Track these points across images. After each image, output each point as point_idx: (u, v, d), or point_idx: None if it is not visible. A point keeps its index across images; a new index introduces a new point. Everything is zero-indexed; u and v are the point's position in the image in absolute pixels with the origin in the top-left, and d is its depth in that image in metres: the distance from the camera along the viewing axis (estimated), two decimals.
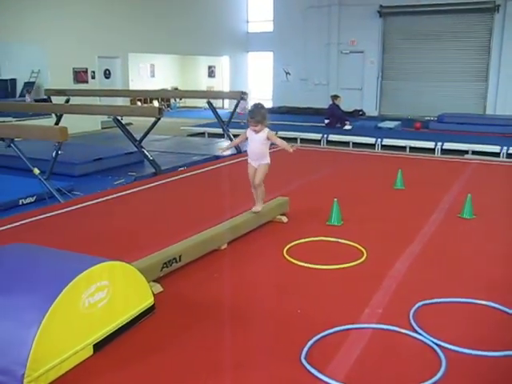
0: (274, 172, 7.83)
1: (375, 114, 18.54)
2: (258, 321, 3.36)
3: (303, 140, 12.57)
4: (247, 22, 21.77)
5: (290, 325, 3.29)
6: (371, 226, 5.28)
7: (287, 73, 20.63)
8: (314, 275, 4.06)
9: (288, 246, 4.58)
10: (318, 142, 12.40)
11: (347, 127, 13.39)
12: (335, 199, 5.31)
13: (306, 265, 4.19)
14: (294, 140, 12.45)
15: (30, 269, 2.95)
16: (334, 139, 12.37)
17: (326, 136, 12.50)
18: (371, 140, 11.93)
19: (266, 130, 4.79)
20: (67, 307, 2.67)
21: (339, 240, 4.77)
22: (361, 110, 17.81)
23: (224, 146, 4.97)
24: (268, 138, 4.83)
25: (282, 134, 12.95)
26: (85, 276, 2.75)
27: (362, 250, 4.51)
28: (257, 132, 4.78)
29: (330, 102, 14.17)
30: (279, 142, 4.94)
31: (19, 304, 2.65)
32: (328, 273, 4.09)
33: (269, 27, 20.81)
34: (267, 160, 4.94)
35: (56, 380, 2.67)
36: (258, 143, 4.85)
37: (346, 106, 15.09)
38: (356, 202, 6.17)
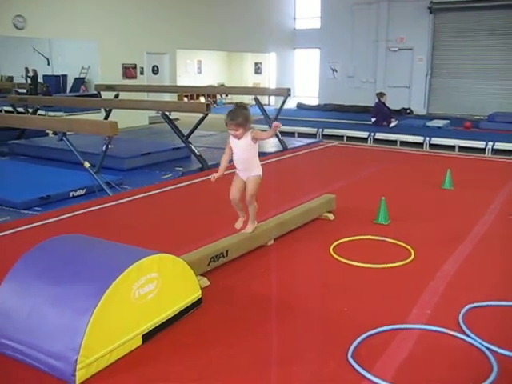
0: (321, 169, 7.81)
1: (423, 112, 18.19)
2: (305, 317, 3.36)
3: (350, 138, 12.46)
4: (294, 18, 21.67)
5: (336, 322, 3.28)
6: (419, 226, 5.20)
7: (334, 70, 20.45)
8: (360, 274, 4.02)
9: (334, 244, 4.56)
10: (364, 140, 12.27)
11: (393, 124, 13.19)
12: (383, 198, 5.25)
13: (352, 263, 4.16)
14: (340, 138, 12.36)
15: (83, 259, 3.02)
16: (381, 137, 12.21)
17: (372, 134, 12.35)
18: (419, 139, 11.72)
19: (249, 131, 4.07)
20: (119, 297, 2.73)
21: (386, 239, 4.72)
22: (408, 109, 17.51)
23: (216, 175, 4.19)
24: (254, 139, 4.09)
25: (327, 131, 12.91)
26: (136, 267, 2.81)
27: (410, 249, 4.45)
28: (239, 138, 4.07)
29: (376, 100, 14.00)
30: (266, 134, 4.21)
31: (73, 292, 2.72)
32: (375, 272, 4.05)
33: (316, 24, 20.66)
34: (258, 171, 4.23)
35: (106, 368, 2.73)
36: (242, 150, 4.12)
37: (393, 104, 14.85)
38: (403, 201, 6.09)
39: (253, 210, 4.33)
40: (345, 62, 19.91)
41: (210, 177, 4.24)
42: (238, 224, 4.35)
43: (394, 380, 2.64)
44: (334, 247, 4.50)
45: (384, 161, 9.08)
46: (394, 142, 11.85)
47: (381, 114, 13.50)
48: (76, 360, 2.56)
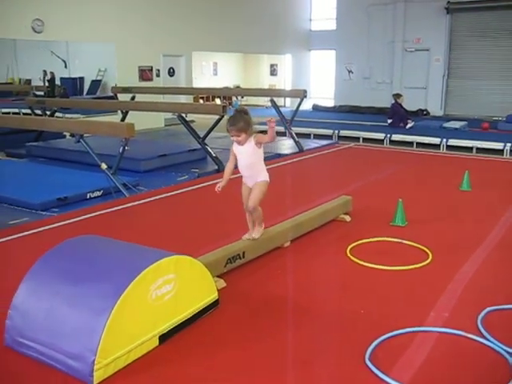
0: (337, 171, 7.79)
1: (440, 113, 18.05)
2: (321, 319, 3.35)
3: (366, 139, 12.40)
4: (310, 20, 21.66)
5: (353, 325, 3.26)
6: (437, 228, 5.16)
7: (350, 71, 20.38)
8: (377, 276, 4.00)
9: (351, 246, 4.54)
10: (380, 141, 12.20)
11: (409, 125, 13.12)
12: (400, 200, 5.21)
13: (369, 265, 4.14)
14: (356, 139, 12.30)
15: (100, 260, 3.04)
16: (397, 139, 12.14)
17: (389, 136, 12.28)
18: (436, 140, 11.63)
19: (253, 136, 3.99)
20: (136, 298, 2.74)
21: (403, 241, 4.68)
22: (425, 110, 17.39)
23: (220, 184, 4.06)
24: (258, 143, 4.00)
25: (343, 133, 12.85)
26: (153, 269, 2.82)
27: (427, 251, 4.41)
28: (242, 143, 3.99)
29: (393, 101, 13.93)
30: (267, 136, 4.00)
31: (91, 293, 2.73)
32: (392, 274, 4.02)
33: (332, 25, 20.61)
34: (264, 177, 4.15)
35: (124, 368, 2.74)
36: (246, 156, 4.03)
37: (409, 105, 14.75)
38: (421, 202, 6.05)
39: (258, 216, 4.21)
40: (361, 63, 19.83)
41: (216, 186, 4.10)
42: (246, 236, 4.24)
43: (412, 383, 2.62)
44: (350, 249, 4.48)
45: (400, 162, 9.03)
46: (410, 144, 11.78)
47: (397, 116, 13.43)
48: (93, 361, 2.57)
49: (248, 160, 4.05)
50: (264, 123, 4.09)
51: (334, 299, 3.62)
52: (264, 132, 4.21)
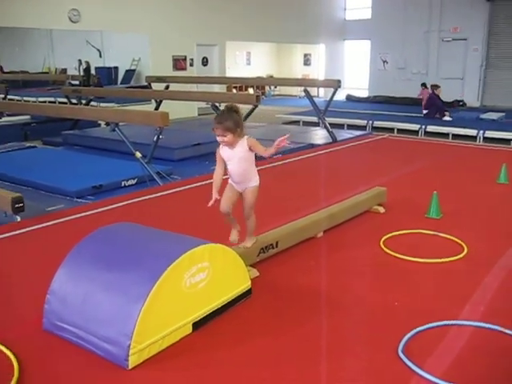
0: (371, 162, 7.72)
1: (477, 104, 17.73)
2: (354, 310, 3.34)
3: (400, 130, 12.26)
4: (345, 9, 21.45)
5: (386, 316, 3.24)
6: (472, 221, 5.07)
7: (384, 61, 20.14)
8: (411, 268, 3.96)
9: (385, 237, 4.49)
10: (415, 132, 12.04)
11: (446, 118, 12.91)
12: (435, 192, 5.14)
13: (403, 257, 4.09)
14: (390, 130, 12.16)
15: (135, 246, 3.08)
16: (432, 130, 11.96)
17: (424, 127, 12.11)
18: (473, 132, 11.43)
19: (245, 138, 3.52)
20: (170, 285, 2.77)
21: (438, 233, 4.62)
22: (461, 101, 17.09)
23: (211, 202, 3.58)
24: (250, 149, 3.53)
25: (377, 123, 12.73)
26: (187, 256, 2.84)
27: (463, 244, 4.34)
28: (231, 146, 3.51)
29: (430, 92, 13.73)
30: (264, 151, 3.54)
31: (126, 279, 2.77)
32: (427, 266, 3.97)
33: (367, 14, 20.38)
34: (256, 181, 3.72)
35: (157, 354, 2.78)
36: (237, 162, 3.55)
37: (445, 96, 14.51)
38: (456, 195, 5.95)
39: (251, 224, 3.83)
40: (396, 53, 19.58)
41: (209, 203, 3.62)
42: (234, 237, 3.84)
43: (446, 377, 2.58)
44: (384, 240, 4.44)
45: (436, 154, 8.89)
46: (446, 135, 11.60)
47: (434, 107, 13.24)
48: (129, 345, 2.61)
49: (240, 166, 3.57)
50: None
51: (366, 290, 3.60)
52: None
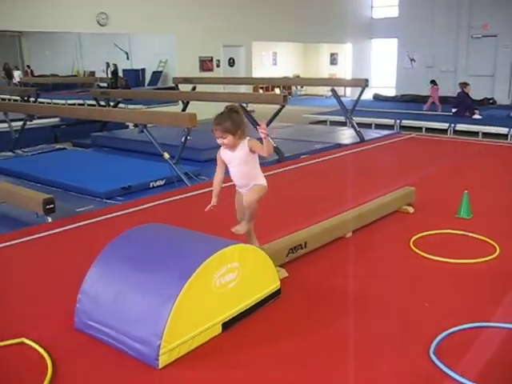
0: (399, 161, 7.64)
1: (507, 102, 17.41)
2: (383, 311, 3.31)
3: (428, 129, 12.12)
4: (372, 7, 21.30)
5: (416, 317, 3.20)
6: (505, 221, 4.98)
7: (412, 59, 19.93)
8: (442, 269, 3.90)
9: (414, 238, 4.44)
10: (444, 131, 11.89)
11: (476, 116, 12.72)
12: (465, 191, 5.06)
13: (434, 257, 4.04)
14: (419, 129, 12.03)
15: (166, 247, 3.10)
16: (461, 129, 11.80)
17: (453, 125, 11.95)
18: (503, 130, 11.23)
19: (246, 140, 3.37)
20: (201, 285, 2.78)
21: (469, 234, 4.55)
22: (491, 99, 16.81)
23: (212, 202, 3.54)
24: (251, 150, 3.37)
25: (405, 122, 12.61)
26: (217, 256, 2.85)
27: (495, 245, 4.27)
28: (232, 149, 3.39)
29: (459, 90, 13.54)
30: (262, 149, 3.34)
31: (157, 279, 2.80)
32: (458, 267, 3.91)
33: (394, 12, 20.19)
34: (262, 181, 3.55)
35: (187, 354, 2.79)
36: (238, 164, 3.42)
37: (475, 93, 14.30)
38: (487, 194, 5.85)
39: (251, 213, 3.60)
40: (423, 50, 19.36)
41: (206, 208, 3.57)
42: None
43: (479, 380, 2.54)
44: (413, 241, 4.39)
45: (465, 153, 8.78)
46: (475, 134, 11.43)
47: (463, 105, 13.06)
48: (159, 345, 2.63)
49: (242, 169, 3.44)
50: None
51: (396, 291, 3.57)
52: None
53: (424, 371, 2.65)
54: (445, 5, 18.47)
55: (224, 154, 3.47)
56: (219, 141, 3.37)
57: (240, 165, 3.42)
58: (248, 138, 3.40)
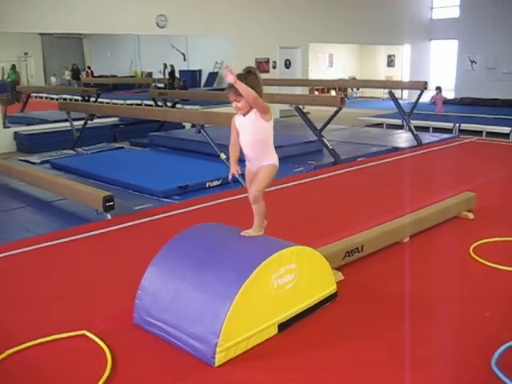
0: (459, 166, 7.45)
1: None
2: (441, 318, 3.24)
3: (489, 134, 11.75)
4: (431, 8, 20.86)
5: (476, 326, 3.12)
6: None
7: (472, 61, 19.40)
8: (504, 277, 3.79)
9: (475, 244, 4.33)
10: (506, 135, 11.52)
11: None
12: None
13: (495, 265, 3.92)
14: (479, 133, 11.68)
15: (224, 247, 3.13)
16: None
17: None
18: None
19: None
20: (258, 286, 2.79)
21: None
22: None
23: (231, 172, 3.36)
24: (260, 113, 3.13)
25: (465, 126, 12.28)
26: (275, 258, 2.86)
27: None
28: (244, 113, 3.17)
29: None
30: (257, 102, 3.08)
31: (216, 279, 2.83)
32: None
33: (455, 13, 19.71)
34: (272, 159, 3.26)
35: (243, 354, 2.81)
36: (248, 131, 3.19)
37: None
38: None
39: (258, 210, 3.37)
40: (485, 52, 18.81)
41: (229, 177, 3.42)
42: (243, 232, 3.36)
43: None
44: (474, 248, 4.27)
45: None
46: None
47: None
48: (216, 343, 2.66)
49: (252, 137, 3.19)
50: None
51: (455, 299, 3.48)
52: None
53: (485, 382, 2.57)
54: (509, 5, 17.89)
55: (237, 119, 3.26)
56: (233, 105, 3.16)
57: (251, 133, 3.18)
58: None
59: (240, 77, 3.07)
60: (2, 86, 13.88)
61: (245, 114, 3.17)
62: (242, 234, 3.26)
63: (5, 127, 10.99)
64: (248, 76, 3.11)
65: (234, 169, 3.34)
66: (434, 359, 2.79)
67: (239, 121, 3.23)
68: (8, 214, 5.89)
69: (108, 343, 2.90)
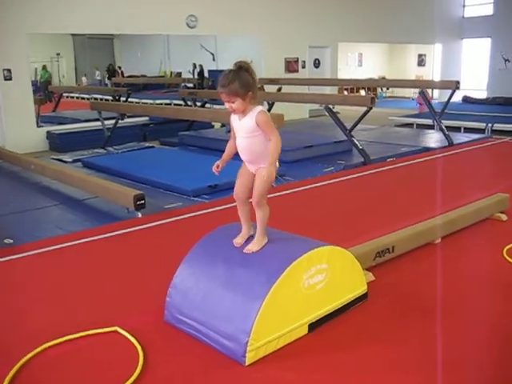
0: (491, 166, 7.33)
1: None
2: (474, 321, 3.18)
3: None
4: (463, 6, 20.56)
5: (508, 329, 3.07)
6: None
7: (506, 60, 19.07)
8: None
9: (508, 246, 4.25)
10: None
11: None
12: None
13: None
14: (510, 133, 11.49)
15: None
16: None
17: None
18: None
19: (259, 108, 2.85)
20: (289, 286, 2.79)
21: None
22: None
23: (218, 163, 3.14)
24: (258, 125, 2.83)
25: (497, 126, 12.07)
26: (306, 258, 2.85)
27: None
28: (242, 115, 2.88)
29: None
30: (273, 140, 2.83)
31: (246, 278, 2.84)
32: None
33: (488, 10, 19.39)
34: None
35: (274, 352, 2.81)
36: (245, 136, 2.89)
37: None
38: None
39: (263, 215, 3.08)
40: None
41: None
42: (237, 239, 3.13)
43: None
44: (507, 250, 4.20)
45: None
46: None
47: None
48: (247, 342, 2.67)
49: (247, 141, 2.90)
50: None
51: (487, 302, 3.42)
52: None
53: None
54: None
55: (233, 120, 2.97)
56: (227, 105, 2.85)
57: (247, 138, 2.89)
58: (261, 108, 2.87)
59: (231, 76, 2.78)
60: (35, 86, 14.13)
61: (241, 118, 2.89)
62: (245, 251, 3.02)
63: (38, 126, 11.20)
64: (241, 74, 2.79)
65: (218, 163, 3.11)
66: (465, 362, 2.75)
67: (235, 124, 2.95)
68: (41, 211, 5.99)
69: (140, 340, 2.94)
